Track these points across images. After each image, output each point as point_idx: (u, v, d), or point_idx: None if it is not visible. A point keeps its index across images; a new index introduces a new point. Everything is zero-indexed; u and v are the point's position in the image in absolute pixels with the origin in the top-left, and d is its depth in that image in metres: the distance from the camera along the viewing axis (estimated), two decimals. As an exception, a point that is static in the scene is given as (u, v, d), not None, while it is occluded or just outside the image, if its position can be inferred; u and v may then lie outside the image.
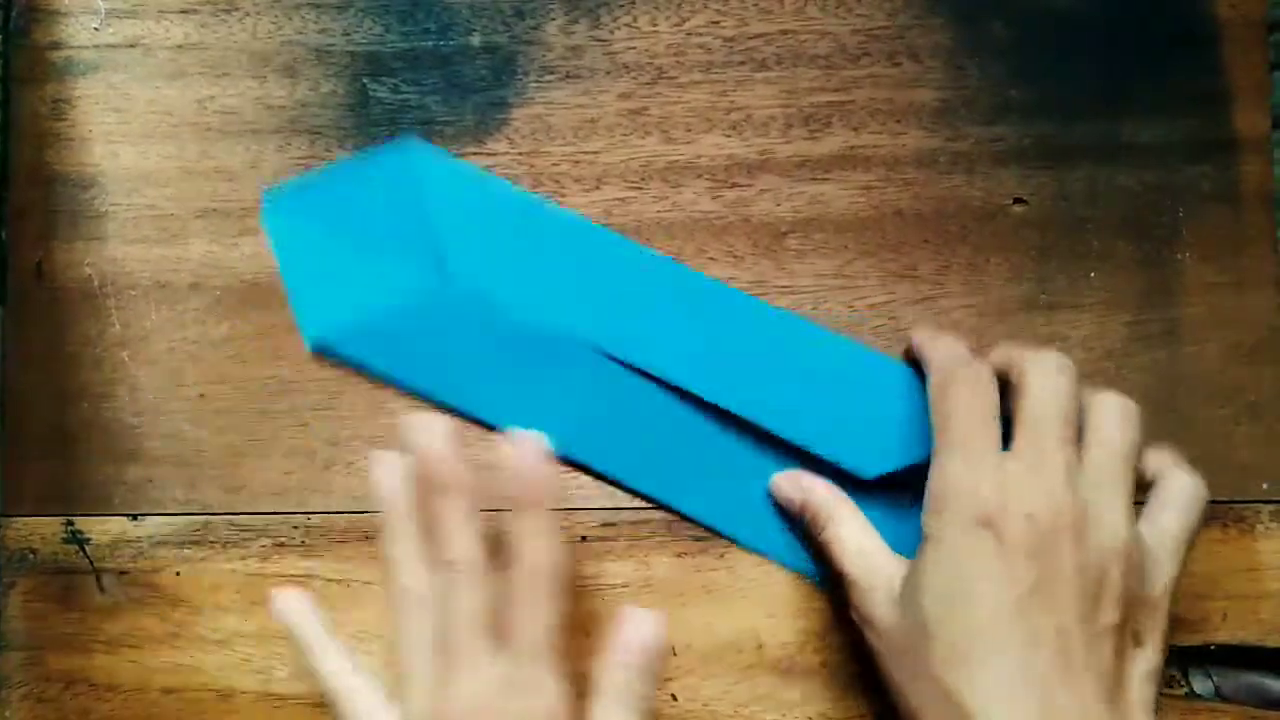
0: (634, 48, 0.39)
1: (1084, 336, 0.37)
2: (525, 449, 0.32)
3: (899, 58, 0.38)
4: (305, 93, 0.39)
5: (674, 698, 0.36)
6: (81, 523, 0.38)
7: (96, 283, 0.38)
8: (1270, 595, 0.36)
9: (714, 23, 0.38)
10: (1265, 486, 0.37)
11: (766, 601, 0.36)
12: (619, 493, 0.37)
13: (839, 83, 0.38)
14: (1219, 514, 0.37)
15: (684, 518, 0.37)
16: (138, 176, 0.38)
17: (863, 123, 0.38)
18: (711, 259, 0.38)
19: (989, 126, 0.38)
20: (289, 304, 0.38)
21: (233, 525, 0.37)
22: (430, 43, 0.39)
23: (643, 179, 0.38)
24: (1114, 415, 0.31)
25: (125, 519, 0.38)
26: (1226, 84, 0.38)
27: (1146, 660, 0.30)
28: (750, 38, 0.38)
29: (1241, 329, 0.37)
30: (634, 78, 0.38)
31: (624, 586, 0.37)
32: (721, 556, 0.37)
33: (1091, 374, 0.37)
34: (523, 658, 0.30)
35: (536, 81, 0.39)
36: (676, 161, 0.38)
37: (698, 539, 0.37)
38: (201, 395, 0.38)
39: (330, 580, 0.37)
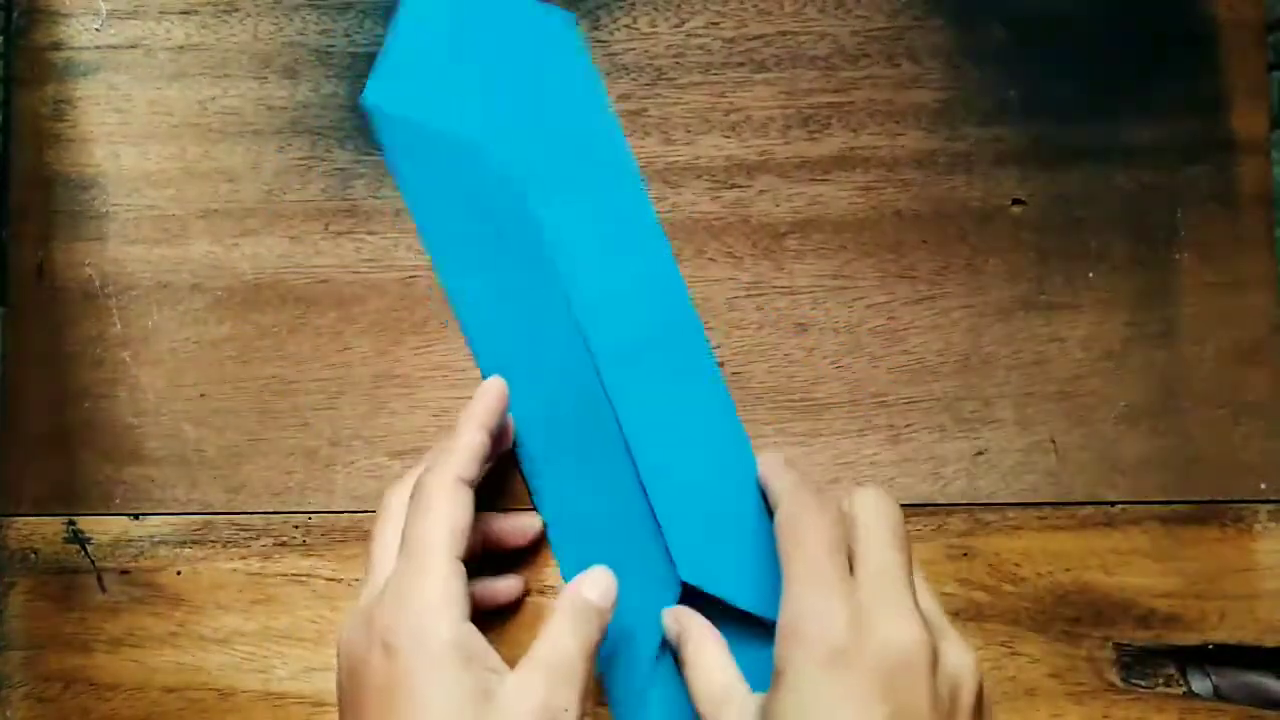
0: (633, 49, 0.39)
1: (1082, 337, 0.37)
2: (488, 387, 0.34)
3: (898, 59, 0.38)
4: (306, 94, 0.39)
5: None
6: (83, 522, 0.38)
7: (97, 283, 0.38)
8: (1268, 594, 0.36)
9: (713, 24, 0.39)
10: (1263, 486, 0.37)
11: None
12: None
13: (838, 84, 0.38)
14: (1217, 514, 0.37)
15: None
16: (138, 177, 0.39)
17: (862, 124, 0.38)
18: (711, 259, 0.38)
19: (988, 127, 0.38)
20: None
21: (234, 525, 0.37)
22: (430, 43, 0.39)
23: (642, 179, 0.38)
24: (884, 529, 0.31)
25: (126, 519, 0.38)
26: (1225, 85, 0.38)
27: None
28: (749, 39, 0.38)
29: (1239, 329, 0.37)
30: (633, 78, 0.38)
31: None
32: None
33: (1091, 374, 0.37)
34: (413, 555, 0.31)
35: (536, 82, 0.39)
36: (676, 162, 0.38)
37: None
38: (202, 395, 0.38)
39: (331, 580, 0.37)
